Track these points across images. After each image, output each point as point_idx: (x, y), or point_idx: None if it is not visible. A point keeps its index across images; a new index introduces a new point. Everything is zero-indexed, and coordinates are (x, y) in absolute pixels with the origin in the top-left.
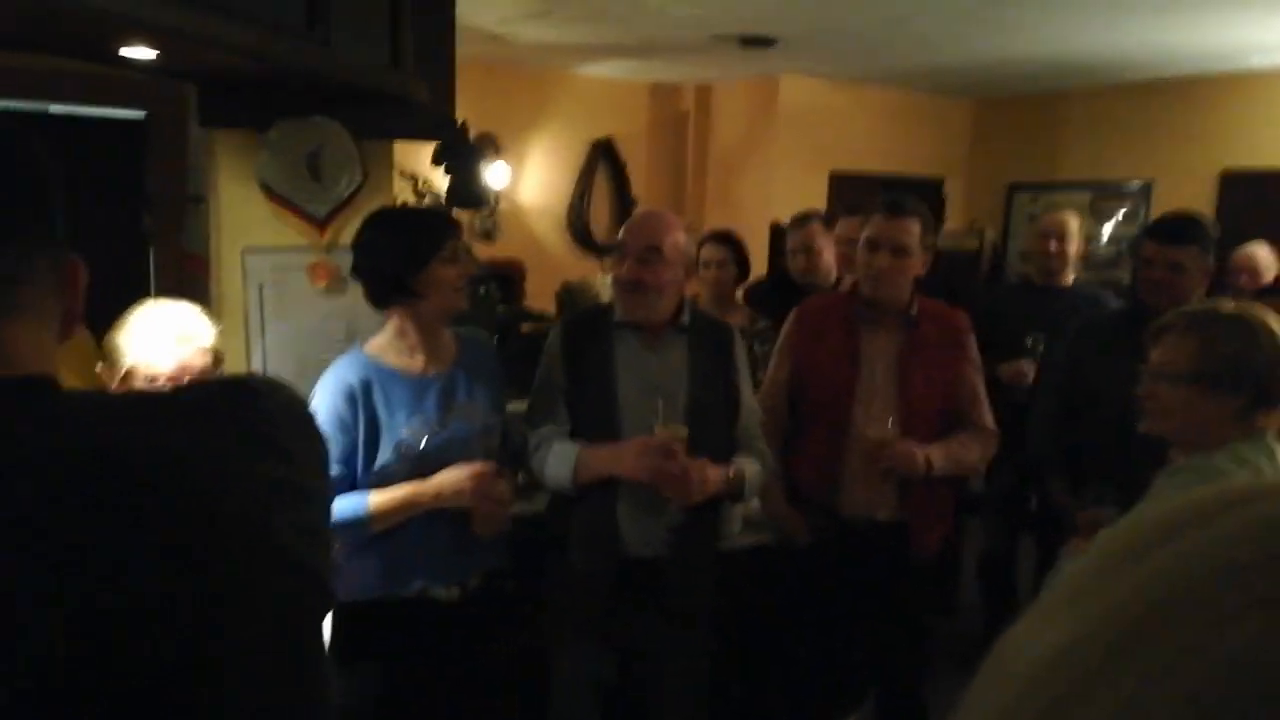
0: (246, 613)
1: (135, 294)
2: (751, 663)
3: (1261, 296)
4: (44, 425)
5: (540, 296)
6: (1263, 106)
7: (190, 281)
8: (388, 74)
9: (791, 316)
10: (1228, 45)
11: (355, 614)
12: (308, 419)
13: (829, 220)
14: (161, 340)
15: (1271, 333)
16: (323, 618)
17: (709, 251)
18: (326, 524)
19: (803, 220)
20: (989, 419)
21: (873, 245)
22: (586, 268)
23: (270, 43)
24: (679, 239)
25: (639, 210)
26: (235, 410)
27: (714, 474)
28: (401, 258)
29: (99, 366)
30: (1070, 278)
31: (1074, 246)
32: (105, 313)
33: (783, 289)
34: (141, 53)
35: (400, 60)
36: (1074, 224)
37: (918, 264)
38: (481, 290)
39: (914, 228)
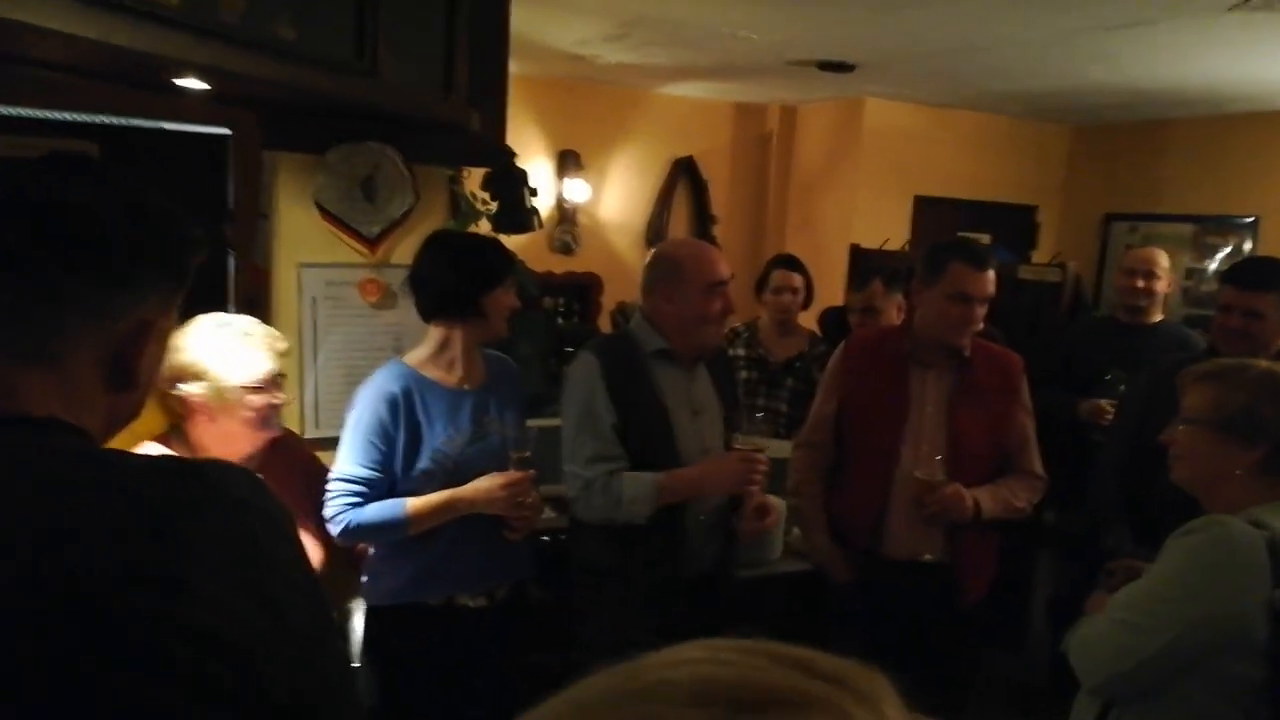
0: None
1: (212, 303)
2: None
3: None
4: None
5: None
6: None
7: (257, 293)
8: (438, 103)
9: (839, 350)
10: None
11: (385, 618)
12: (252, 527)
13: (901, 276)
14: (255, 353)
15: None
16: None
17: (781, 277)
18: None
19: (865, 279)
20: (1038, 464)
21: (965, 299)
22: None
23: (315, 77)
24: None
25: (694, 246)
26: (166, 499)
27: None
28: (476, 277)
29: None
30: (1158, 316)
31: (1163, 284)
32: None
33: (847, 325)
34: (193, 84)
35: (453, 88)
36: (1164, 261)
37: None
38: (560, 303)
39: (993, 278)
